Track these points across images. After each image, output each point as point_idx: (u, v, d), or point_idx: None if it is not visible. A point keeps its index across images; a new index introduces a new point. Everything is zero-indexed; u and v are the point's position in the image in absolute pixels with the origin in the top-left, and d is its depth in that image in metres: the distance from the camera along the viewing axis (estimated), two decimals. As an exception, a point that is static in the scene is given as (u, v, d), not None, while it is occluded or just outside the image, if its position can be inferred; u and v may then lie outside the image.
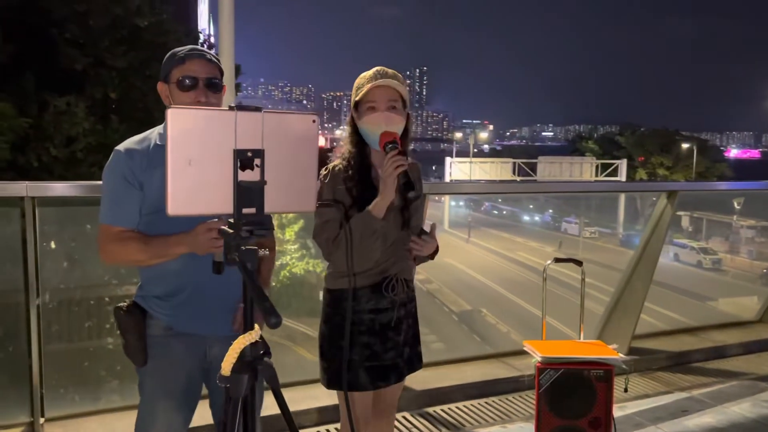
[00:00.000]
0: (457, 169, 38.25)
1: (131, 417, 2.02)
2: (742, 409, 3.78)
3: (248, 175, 1.16)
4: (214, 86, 1.92)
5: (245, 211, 1.17)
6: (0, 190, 2.73)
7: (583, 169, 37.99)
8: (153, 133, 1.97)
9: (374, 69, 2.12)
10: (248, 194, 1.16)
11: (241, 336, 1.19)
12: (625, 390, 3.32)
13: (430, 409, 3.70)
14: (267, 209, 1.19)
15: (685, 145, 46.29)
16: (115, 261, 1.94)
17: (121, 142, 1.94)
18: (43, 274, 3.01)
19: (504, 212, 50.93)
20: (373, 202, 2.03)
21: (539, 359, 2.75)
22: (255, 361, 1.20)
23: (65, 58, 13.93)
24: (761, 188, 5.44)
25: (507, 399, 3.85)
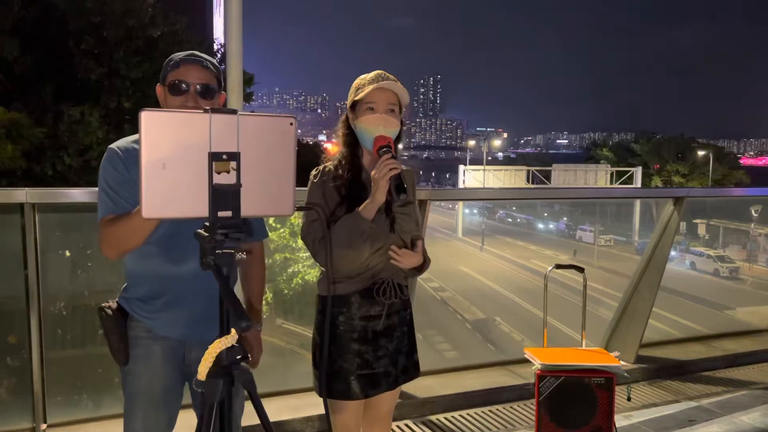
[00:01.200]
0: (470, 176, 38.23)
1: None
2: (751, 419, 3.71)
3: (224, 178, 1.16)
4: (206, 92, 1.91)
5: (221, 214, 1.17)
6: (0, 197, 2.76)
7: (598, 177, 37.81)
8: None
9: (375, 72, 2.13)
10: (224, 197, 1.16)
11: (217, 340, 1.18)
12: (628, 398, 3.27)
13: (433, 417, 3.67)
14: (243, 213, 1.19)
15: (701, 153, 45.89)
16: (115, 249, 1.85)
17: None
18: (45, 280, 3.03)
19: (518, 220, 50.79)
20: (363, 204, 2.03)
21: (539, 367, 2.72)
22: (231, 366, 1.19)
23: (81, 69, 14.16)
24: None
25: (511, 407, 3.80)
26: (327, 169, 2.15)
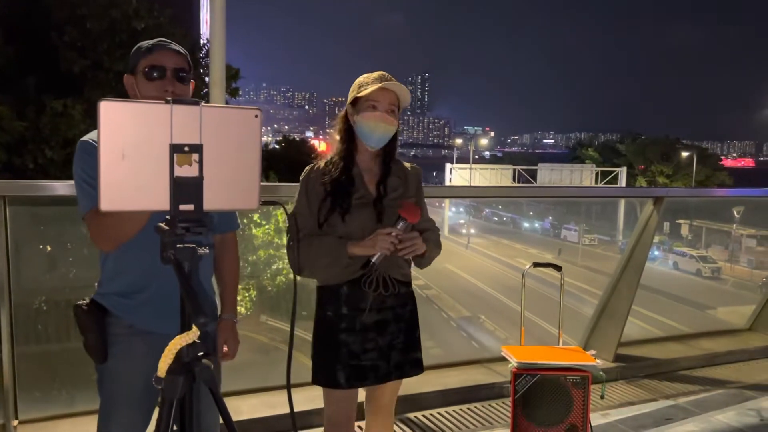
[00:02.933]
0: (457, 175, 38.40)
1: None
2: (727, 418, 3.74)
3: (186, 171, 1.13)
4: (182, 78, 1.90)
5: (183, 207, 1.14)
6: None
7: (583, 177, 38.12)
8: None
9: (378, 72, 2.18)
10: (185, 190, 1.13)
11: (178, 336, 1.16)
12: (602, 397, 3.28)
13: (411, 415, 3.66)
14: (206, 206, 1.16)
15: (685, 154, 46.33)
16: (112, 241, 1.81)
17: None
18: (19, 274, 2.98)
19: (504, 219, 50.96)
20: (354, 244, 2.08)
21: (515, 364, 2.72)
22: (192, 363, 1.17)
23: (64, 62, 13.99)
24: (751, 195, 5.41)
25: (489, 405, 3.81)
26: (316, 167, 2.21)
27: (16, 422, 3.13)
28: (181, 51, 1.94)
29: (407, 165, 2.34)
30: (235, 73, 18.64)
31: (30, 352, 3.21)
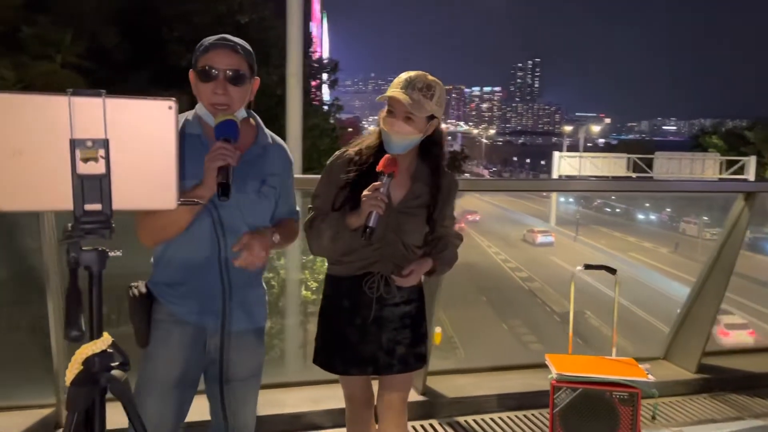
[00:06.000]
0: (565, 164, 37.14)
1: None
2: (825, 445, 3.28)
3: (91, 168, 1.05)
4: (237, 79, 1.83)
5: (89, 207, 1.07)
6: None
7: (705, 166, 35.63)
8: None
9: (415, 72, 2.09)
10: (90, 189, 1.05)
11: (85, 345, 1.09)
12: (653, 417, 2.95)
13: (461, 419, 3.49)
14: (116, 206, 1.08)
15: (825, 141, 41.96)
16: (152, 239, 1.86)
17: None
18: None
19: (617, 210, 48.79)
20: (351, 214, 2.07)
21: (554, 376, 2.48)
22: (99, 374, 1.09)
23: (172, 56, 14.75)
24: None
25: (546, 414, 3.56)
26: (345, 153, 2.20)
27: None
28: (241, 50, 1.84)
29: (444, 179, 2.24)
30: (334, 66, 18.92)
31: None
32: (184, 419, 1.95)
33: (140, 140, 1.09)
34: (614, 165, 36.17)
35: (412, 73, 2.09)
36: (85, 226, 1.06)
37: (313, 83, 18.93)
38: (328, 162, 2.21)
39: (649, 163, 35.70)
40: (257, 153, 1.94)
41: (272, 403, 3.44)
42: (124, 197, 1.09)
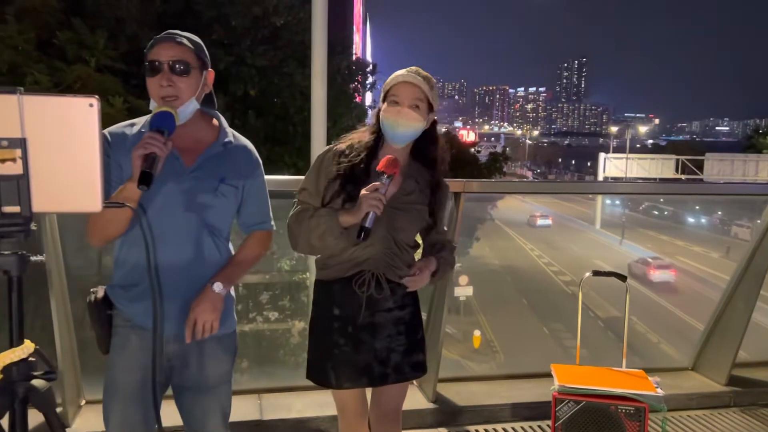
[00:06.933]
0: (611, 165, 36.42)
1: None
2: None
3: (9, 168, 1.01)
4: (180, 70, 1.82)
5: (7, 209, 1.02)
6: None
7: (759, 168, 34.48)
8: (142, 120, 1.94)
9: (414, 68, 2.13)
10: (8, 190, 1.01)
11: (6, 351, 1.04)
12: (664, 434, 2.78)
13: (472, 428, 3.39)
14: (36, 208, 1.03)
15: None
16: (96, 237, 1.82)
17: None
18: (71, 261, 3.10)
19: (665, 213, 47.55)
20: (345, 212, 2.01)
21: (556, 388, 2.36)
22: (16, 384, 1.04)
23: (211, 58, 14.94)
24: None
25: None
26: (336, 147, 2.15)
27: (83, 401, 3.31)
28: (185, 42, 1.85)
29: (441, 180, 2.23)
30: (372, 68, 18.88)
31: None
32: (157, 425, 1.90)
33: (61, 140, 1.03)
34: (662, 166, 35.35)
35: (412, 67, 2.12)
36: (0, 229, 1.01)
37: (351, 86, 18.97)
38: (319, 154, 2.19)
39: (700, 165, 34.71)
40: (217, 151, 1.91)
41: (279, 407, 3.40)
42: (46, 199, 1.03)
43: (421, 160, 2.18)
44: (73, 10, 11.85)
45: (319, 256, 2.17)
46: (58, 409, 3.08)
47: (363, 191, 1.94)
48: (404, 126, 2.04)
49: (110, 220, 1.74)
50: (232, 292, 2.03)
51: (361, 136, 2.18)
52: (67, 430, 3.12)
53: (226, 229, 1.97)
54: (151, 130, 1.66)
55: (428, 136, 2.15)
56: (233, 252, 2.01)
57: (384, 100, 2.13)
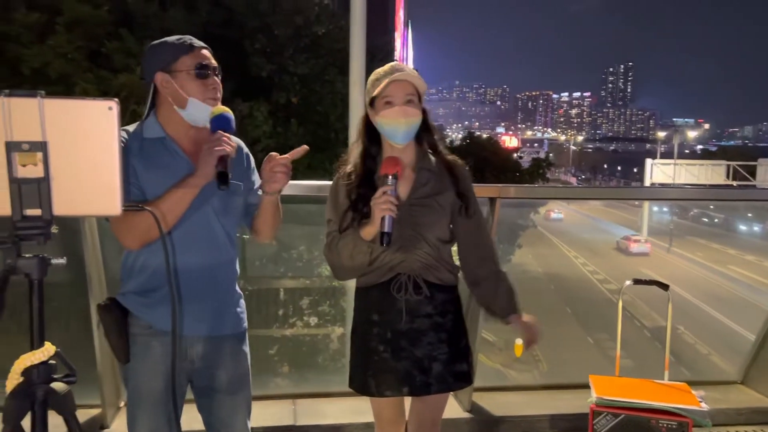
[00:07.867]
0: (658, 171, 35.58)
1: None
2: None
3: (30, 171, 1.02)
4: (220, 76, 1.96)
5: (29, 212, 1.03)
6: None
7: (817, 174, 33.17)
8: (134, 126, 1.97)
9: (389, 65, 2.10)
10: (29, 193, 1.02)
11: (24, 355, 1.04)
12: (708, 452, 2.65)
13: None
14: (57, 211, 1.04)
15: None
16: (139, 239, 1.81)
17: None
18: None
19: (716, 220, 46.17)
20: (363, 225, 2.00)
21: (594, 400, 2.28)
22: (36, 386, 1.05)
23: (254, 67, 15.19)
24: None
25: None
26: (343, 174, 2.15)
27: (122, 403, 3.36)
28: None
29: (451, 158, 2.18)
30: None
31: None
32: (178, 428, 1.89)
33: (81, 143, 1.04)
34: (712, 172, 34.37)
35: (387, 65, 2.10)
36: (21, 232, 1.02)
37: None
38: (331, 185, 2.18)
39: (752, 171, 33.63)
40: None
41: (313, 413, 3.39)
42: (66, 202, 1.04)
43: (425, 150, 2.17)
44: (121, 22, 12.21)
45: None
46: (98, 411, 3.18)
47: (373, 198, 1.94)
48: (407, 124, 2.04)
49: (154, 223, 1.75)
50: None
51: (354, 153, 2.17)
52: (105, 431, 3.17)
53: (236, 227, 2.03)
54: (214, 132, 1.75)
55: (423, 126, 2.12)
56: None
57: (371, 105, 2.09)
